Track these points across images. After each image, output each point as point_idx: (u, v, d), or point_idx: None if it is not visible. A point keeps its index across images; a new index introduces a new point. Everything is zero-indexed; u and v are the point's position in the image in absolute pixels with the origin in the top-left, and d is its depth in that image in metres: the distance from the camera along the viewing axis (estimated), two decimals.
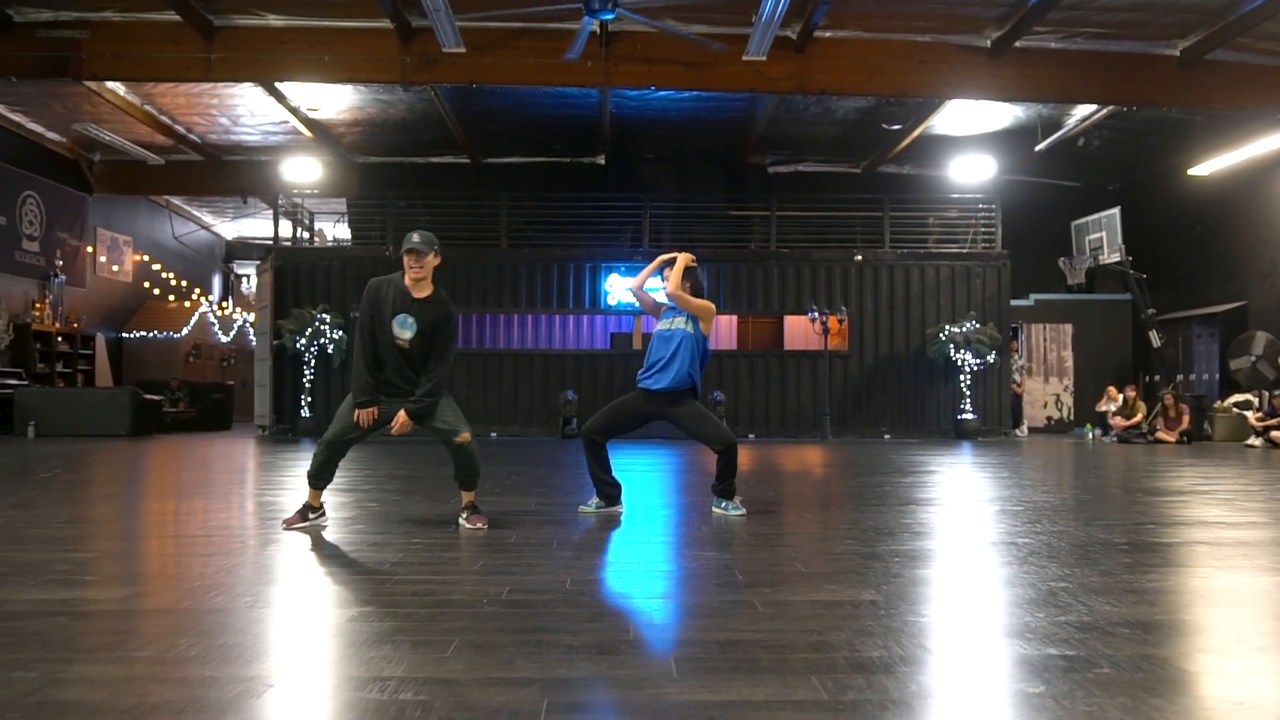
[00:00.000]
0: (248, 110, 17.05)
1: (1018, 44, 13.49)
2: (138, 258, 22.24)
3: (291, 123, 17.45)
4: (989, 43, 13.67)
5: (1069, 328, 20.10)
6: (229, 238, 26.93)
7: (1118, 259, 17.50)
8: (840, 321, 17.63)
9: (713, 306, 6.12)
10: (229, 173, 20.16)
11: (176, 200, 23.54)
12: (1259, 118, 15.38)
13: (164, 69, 13.56)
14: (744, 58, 13.27)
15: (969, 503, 6.80)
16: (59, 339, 18.68)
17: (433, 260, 5.25)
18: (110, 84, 15.29)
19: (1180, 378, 17.69)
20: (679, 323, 6.00)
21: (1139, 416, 16.36)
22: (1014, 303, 18.77)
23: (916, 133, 17.28)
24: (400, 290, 5.22)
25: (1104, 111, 15.79)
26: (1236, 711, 2.28)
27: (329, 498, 5.58)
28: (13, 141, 17.58)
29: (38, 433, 15.45)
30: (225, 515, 5.98)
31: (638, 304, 6.11)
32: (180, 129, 17.90)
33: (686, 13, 12.80)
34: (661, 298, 6.29)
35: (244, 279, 27.57)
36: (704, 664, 2.66)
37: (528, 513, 6.13)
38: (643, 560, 4.44)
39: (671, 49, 13.49)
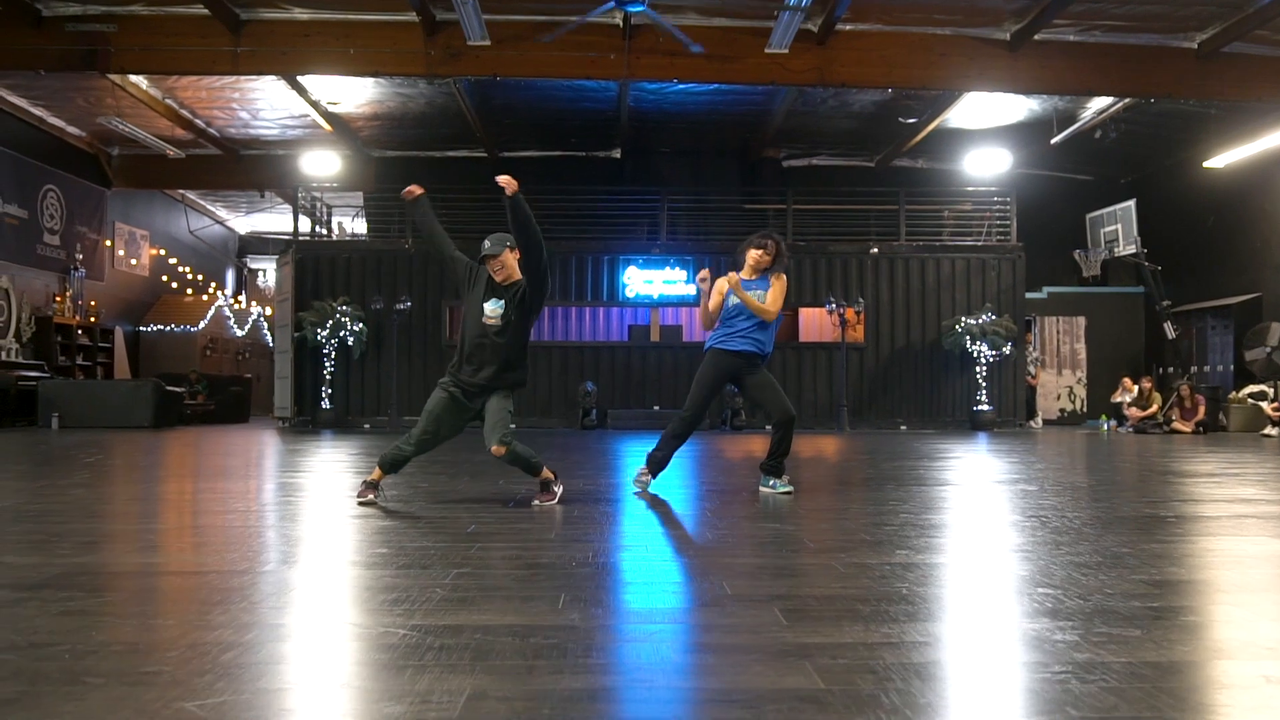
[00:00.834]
0: (268, 104, 17.18)
1: (1036, 37, 13.61)
2: (154, 252, 22.37)
3: (311, 116, 17.58)
4: (1008, 35, 13.79)
5: (1082, 320, 20.22)
6: (242, 232, 27.07)
7: (1133, 251, 17.62)
8: (857, 314, 17.75)
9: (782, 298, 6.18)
10: (246, 167, 20.30)
11: (192, 195, 23.68)
12: (1274, 110, 15.49)
13: (191, 62, 13.71)
14: (766, 50, 13.38)
15: (1007, 483, 6.91)
16: (79, 332, 18.82)
17: (511, 256, 5.36)
18: (134, 78, 15.42)
19: (1194, 369, 17.80)
20: (754, 294, 6.10)
21: (1154, 407, 16.49)
22: (1027, 295, 18.89)
23: (932, 126, 17.40)
24: (490, 279, 5.42)
25: (1119, 104, 15.91)
26: None
27: (357, 479, 5.70)
28: (34, 136, 17.71)
29: (61, 424, 15.58)
30: (281, 493, 6.10)
31: (706, 312, 6.22)
32: (200, 123, 18.02)
33: (710, 5, 12.94)
34: (723, 297, 6.30)
35: (259, 273, 27.71)
36: (808, 614, 2.78)
37: (579, 493, 6.24)
38: (708, 530, 4.56)
39: (694, 41, 13.59)
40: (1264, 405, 15.68)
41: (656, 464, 6.29)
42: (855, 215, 18.80)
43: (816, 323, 19.77)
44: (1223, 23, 13.29)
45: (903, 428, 17.69)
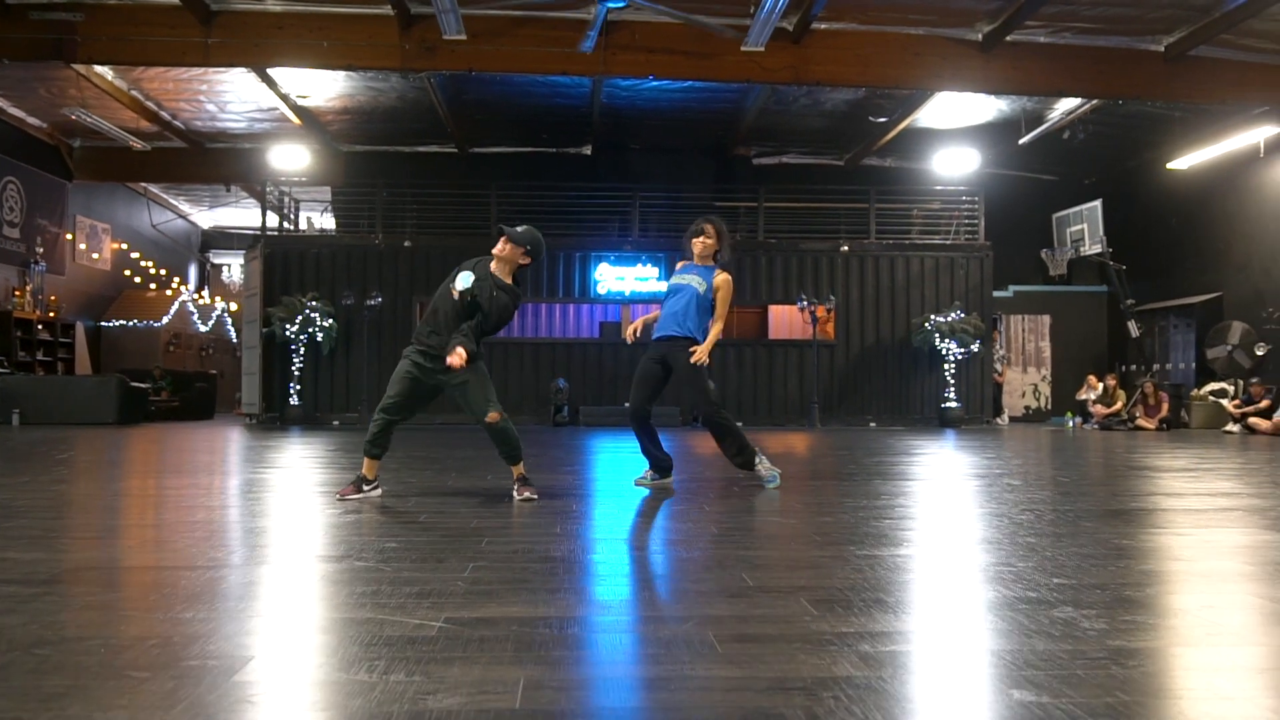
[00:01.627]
0: (236, 96, 16.97)
1: (1009, 38, 13.74)
2: (116, 246, 22.02)
3: (280, 109, 17.38)
4: (981, 36, 13.92)
5: (1047, 319, 20.49)
6: (205, 227, 26.71)
7: (1099, 251, 17.86)
8: (828, 311, 17.86)
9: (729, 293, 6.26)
10: (212, 160, 20.03)
11: (154, 188, 23.34)
12: (1238, 112, 15.79)
13: (161, 53, 13.49)
14: (742, 48, 13.39)
15: (991, 478, 6.98)
16: (39, 327, 18.49)
17: (514, 251, 5.37)
18: (99, 68, 15.16)
19: (1157, 367, 18.09)
20: (694, 281, 6.17)
21: (1119, 404, 16.74)
22: (994, 294, 19.09)
23: (902, 125, 17.54)
24: (485, 265, 5.42)
25: (1087, 106, 16.13)
26: None
27: (344, 476, 5.59)
28: None
29: (22, 420, 15.30)
30: (271, 489, 6.04)
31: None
32: (166, 115, 17.77)
33: (687, 2, 12.93)
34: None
35: (224, 268, 27.38)
36: (835, 604, 2.80)
37: (569, 487, 6.23)
38: (712, 524, 4.56)
39: (670, 39, 13.63)
40: (1225, 403, 15.97)
41: (656, 465, 6.28)
42: (825, 213, 18.90)
43: (787, 320, 19.88)
44: (1190, 26, 13.50)
45: (872, 424, 17.82)
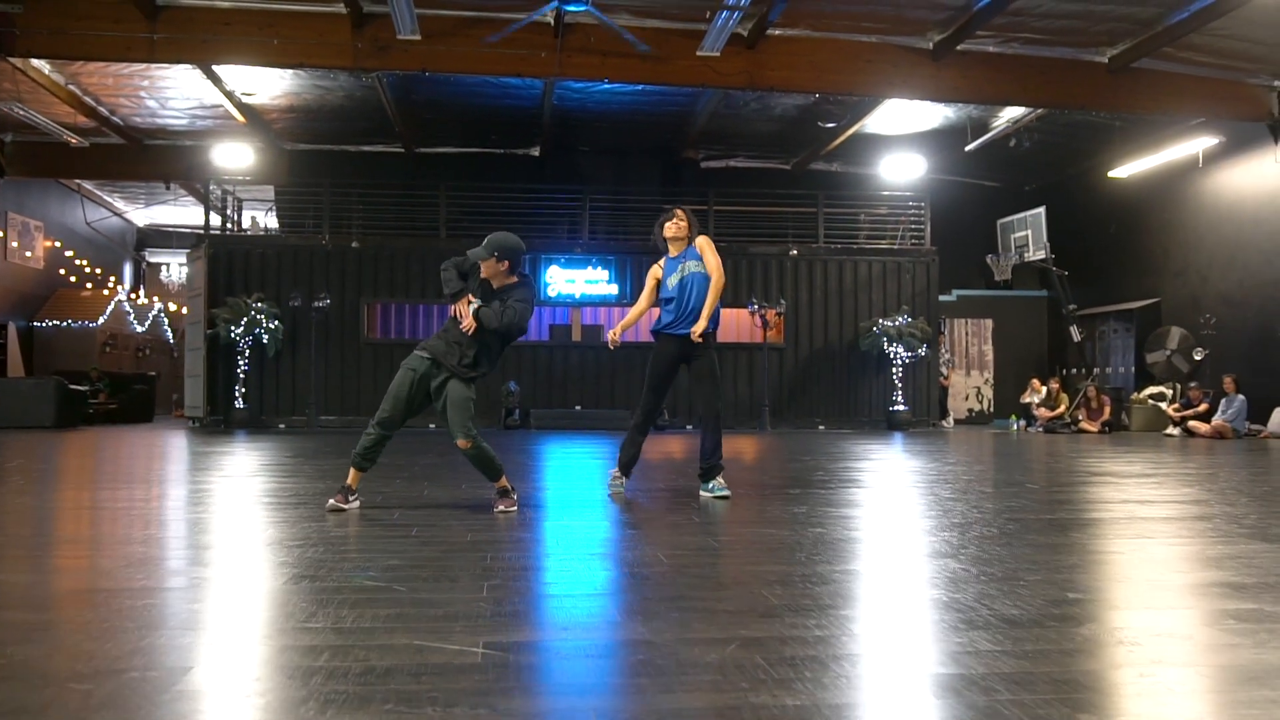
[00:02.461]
0: (179, 92, 16.58)
1: (959, 47, 13.94)
2: (49, 243, 21.41)
3: (223, 107, 17.03)
4: (931, 45, 14.11)
5: (989, 323, 20.85)
6: (141, 224, 26.09)
7: (1042, 257, 18.20)
8: (779, 315, 17.97)
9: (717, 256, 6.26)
10: (151, 157, 19.54)
11: (88, 185, 22.74)
12: (1177, 123, 16.22)
13: (104, 48, 13.13)
14: (698, 53, 13.42)
15: (966, 485, 7.07)
16: None
17: (495, 265, 5.30)
18: (36, 62, 14.70)
19: (1097, 370, 18.50)
20: (692, 266, 6.14)
21: (1062, 408, 17.08)
22: (939, 298, 19.37)
23: (850, 131, 17.72)
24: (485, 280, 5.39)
25: (1031, 114, 16.43)
26: None
27: (314, 485, 5.43)
28: None
29: None
30: (258, 500, 5.90)
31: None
32: (104, 110, 17.30)
33: (644, 6, 12.94)
34: (656, 282, 6.39)
35: (162, 267, 26.76)
36: (867, 621, 2.80)
37: (545, 497, 6.19)
38: (708, 537, 4.55)
39: (625, 42, 13.58)
40: (1164, 406, 16.39)
41: (627, 464, 6.29)
42: (774, 217, 19.01)
43: (735, 323, 19.94)
44: (1133, 39, 13.81)
45: (821, 427, 17.98)
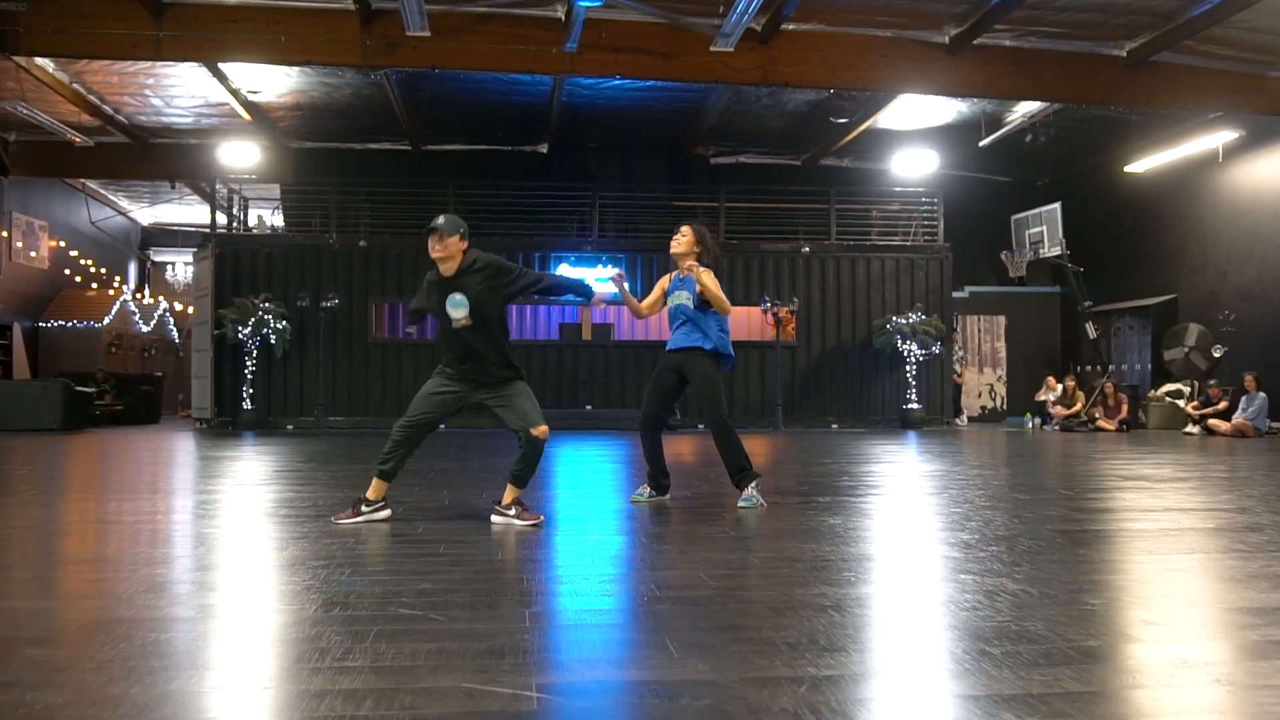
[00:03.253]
0: (184, 91, 16.39)
1: (975, 41, 13.72)
2: (54, 243, 21.23)
3: (229, 105, 16.83)
4: (947, 39, 13.90)
5: (1002, 319, 20.65)
6: (145, 223, 25.92)
7: (1058, 253, 17.99)
8: (791, 313, 17.79)
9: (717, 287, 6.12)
10: (156, 156, 19.36)
11: (93, 184, 22.56)
12: (1195, 117, 16.00)
13: (110, 46, 12.94)
14: (712, 49, 13.21)
15: (991, 488, 6.90)
16: None
17: (458, 244, 5.12)
18: (40, 60, 14.53)
19: (1112, 368, 18.30)
20: (683, 297, 6.07)
21: (1078, 406, 16.88)
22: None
23: (863, 127, 17.52)
24: (437, 276, 5.20)
25: (1047, 109, 16.22)
26: None
27: (332, 494, 5.24)
28: None
29: None
30: (252, 510, 5.74)
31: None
32: (108, 109, 17.12)
33: (658, 2, 12.74)
34: (663, 292, 6.29)
35: (168, 267, 26.60)
36: (952, 656, 2.63)
37: (567, 507, 6.02)
38: (748, 554, 4.39)
39: (638, 38, 13.41)
40: (1182, 404, 16.19)
41: (653, 481, 6.18)
42: (784, 214, 18.82)
43: (746, 321, 19.74)
44: (1153, 32, 13.60)
45: (834, 426, 17.80)
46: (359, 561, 4.05)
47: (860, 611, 3.21)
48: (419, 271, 17.53)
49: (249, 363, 16.55)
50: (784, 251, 18.30)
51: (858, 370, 18.22)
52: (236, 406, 16.62)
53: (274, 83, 16.09)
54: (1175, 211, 17.69)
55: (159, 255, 26.68)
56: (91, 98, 16.50)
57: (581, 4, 10.58)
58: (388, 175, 19.06)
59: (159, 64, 14.69)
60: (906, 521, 5.43)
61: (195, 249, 18.47)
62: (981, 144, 17.78)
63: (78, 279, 21.75)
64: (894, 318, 17.63)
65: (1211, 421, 14.90)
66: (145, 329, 22.69)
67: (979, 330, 20.67)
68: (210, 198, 18.39)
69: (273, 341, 16.43)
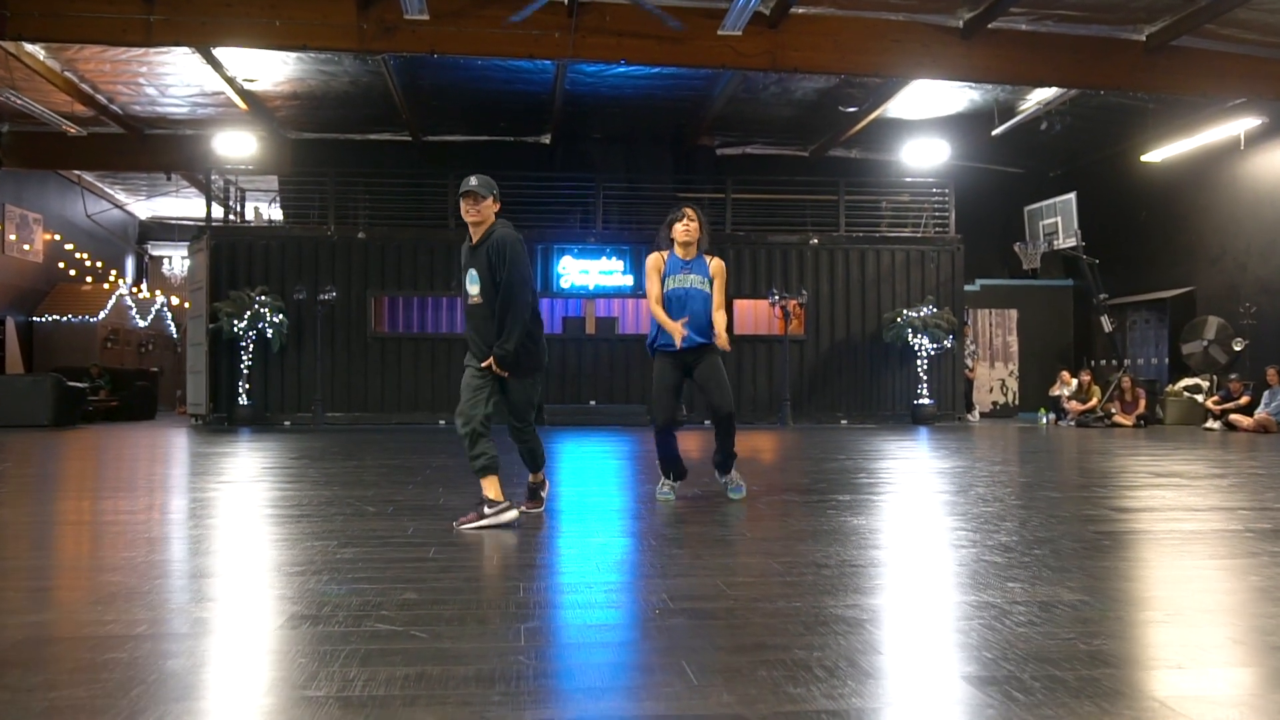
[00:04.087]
0: (179, 79, 16.01)
1: (990, 25, 13.31)
2: (48, 237, 20.88)
3: (225, 94, 16.46)
4: (961, 23, 13.49)
5: (1014, 313, 20.24)
6: (143, 217, 25.57)
7: (1072, 244, 17.57)
8: (800, 306, 17.39)
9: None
10: (151, 147, 18.99)
11: (89, 176, 22.21)
12: (1215, 104, 15.56)
13: (99, 31, 12.57)
14: (719, 33, 12.82)
15: (1017, 485, 6.52)
16: None
17: (491, 205, 4.84)
18: (30, 47, 14.16)
19: (1127, 362, 17.89)
20: (696, 281, 5.72)
21: (1094, 401, 16.47)
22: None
23: (872, 116, 17.10)
24: (467, 243, 4.95)
25: (1061, 96, 15.80)
26: None
27: (319, 493, 4.91)
28: None
29: None
30: (239, 509, 5.36)
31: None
32: (102, 98, 16.76)
33: None
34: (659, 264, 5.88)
35: (164, 260, 26.24)
36: (1014, 682, 2.25)
37: (571, 503, 5.65)
38: (768, 558, 4.01)
39: (643, 22, 13.00)
40: (1202, 399, 15.78)
41: (676, 475, 5.88)
42: (792, 205, 18.41)
43: (750, 315, 19.34)
44: (1174, 15, 13.18)
45: (843, 422, 17.41)
46: (339, 567, 3.67)
47: (901, 627, 2.83)
48: (418, 264, 17.23)
49: (245, 357, 16.18)
50: (792, 243, 17.89)
51: (867, 365, 17.82)
52: (233, 402, 16.26)
53: (270, 71, 15.71)
54: (1194, 202, 17.25)
55: (157, 249, 26.34)
56: (84, 86, 16.14)
57: None
58: (388, 166, 18.69)
59: (152, 51, 14.34)
60: (934, 521, 5.05)
61: (190, 241, 18.08)
62: (995, 133, 17.34)
63: (73, 273, 21.41)
64: (905, 311, 17.22)
65: (1233, 416, 14.49)
66: (142, 324, 22.34)
67: (990, 324, 20.25)
68: (206, 189, 18.03)
69: (269, 335, 16.05)
